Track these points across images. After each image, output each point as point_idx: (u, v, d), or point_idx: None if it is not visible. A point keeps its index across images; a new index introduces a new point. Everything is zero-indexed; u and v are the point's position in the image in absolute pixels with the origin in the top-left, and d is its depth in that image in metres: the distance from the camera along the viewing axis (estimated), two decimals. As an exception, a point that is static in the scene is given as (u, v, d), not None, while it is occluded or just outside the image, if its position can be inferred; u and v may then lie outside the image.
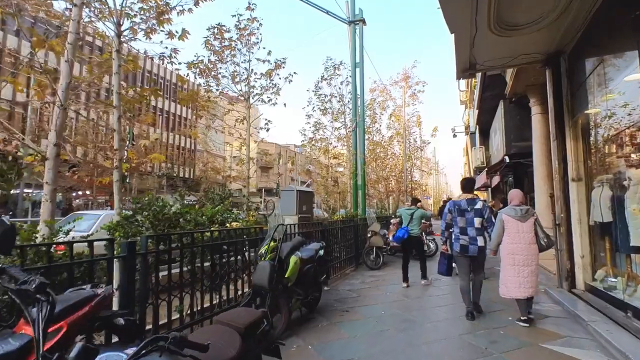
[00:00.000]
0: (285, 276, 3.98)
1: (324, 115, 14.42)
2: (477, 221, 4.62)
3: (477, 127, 16.53)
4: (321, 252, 4.98)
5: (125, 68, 6.95)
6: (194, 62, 9.41)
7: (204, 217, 4.23)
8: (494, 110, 12.96)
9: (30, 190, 19.11)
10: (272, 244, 4.05)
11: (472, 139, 19.01)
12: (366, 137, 18.60)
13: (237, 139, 9.51)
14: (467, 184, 5.08)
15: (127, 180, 14.39)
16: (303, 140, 13.09)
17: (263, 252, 3.96)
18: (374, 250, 8.55)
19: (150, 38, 7.04)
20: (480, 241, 4.59)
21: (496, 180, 14.85)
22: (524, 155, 9.96)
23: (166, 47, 6.76)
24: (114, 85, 6.02)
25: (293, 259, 4.11)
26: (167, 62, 7.30)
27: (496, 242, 4.49)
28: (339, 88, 13.99)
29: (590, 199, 5.51)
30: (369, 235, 8.75)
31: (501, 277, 4.53)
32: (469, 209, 4.73)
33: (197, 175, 33.89)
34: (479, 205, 4.74)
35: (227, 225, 5.28)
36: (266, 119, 10.99)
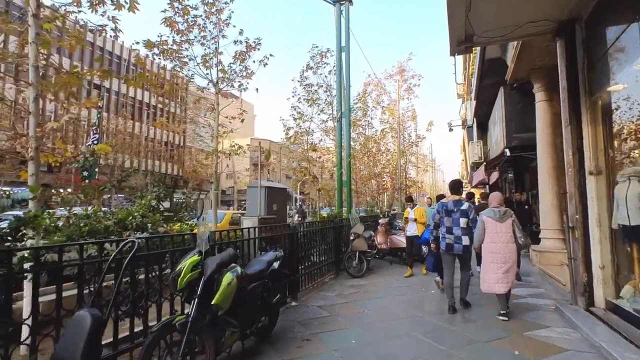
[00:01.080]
0: (212, 303, 2.91)
1: (311, 106, 13.38)
2: (462, 221, 4.90)
3: (475, 120, 15.48)
4: (276, 264, 3.92)
5: (51, 41, 5.85)
6: (158, 42, 8.31)
7: (109, 221, 3.15)
8: (493, 101, 11.93)
9: (7, 188, 17.96)
10: (194, 258, 2.98)
11: (470, 133, 17.96)
12: (358, 130, 17.60)
13: (202, 126, 8.41)
14: (454, 186, 5.35)
15: (96, 176, 13.17)
16: (286, 132, 11.95)
17: (181, 269, 2.90)
18: (357, 255, 7.49)
19: (96, 10, 5.97)
20: (465, 240, 4.85)
21: (495, 176, 13.80)
22: (527, 147, 8.93)
23: (103, 15, 5.64)
24: (30, 57, 4.92)
25: (227, 278, 3.04)
26: (112, 36, 6.21)
27: (478, 241, 4.77)
28: (326, 77, 12.93)
29: (612, 196, 4.47)
30: (351, 238, 7.69)
31: (482, 274, 4.81)
32: (455, 209, 4.99)
33: (185, 171, 32.62)
34: (464, 206, 4.99)
35: (163, 229, 4.22)
36: (241, 109, 9.95)
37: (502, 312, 4.50)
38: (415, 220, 7.45)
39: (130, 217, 3.38)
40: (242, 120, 9.86)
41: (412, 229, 7.57)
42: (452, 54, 5.87)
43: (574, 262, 4.93)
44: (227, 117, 8.98)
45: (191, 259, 2.95)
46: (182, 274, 2.86)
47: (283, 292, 5.13)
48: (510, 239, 4.56)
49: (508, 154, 8.93)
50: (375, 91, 22.05)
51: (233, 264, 3.31)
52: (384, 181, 22.18)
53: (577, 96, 4.93)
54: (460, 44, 5.47)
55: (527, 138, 8.80)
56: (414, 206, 7.80)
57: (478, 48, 10.23)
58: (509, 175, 15.09)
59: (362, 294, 5.96)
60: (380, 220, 9.69)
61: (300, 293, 5.86)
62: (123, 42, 28.80)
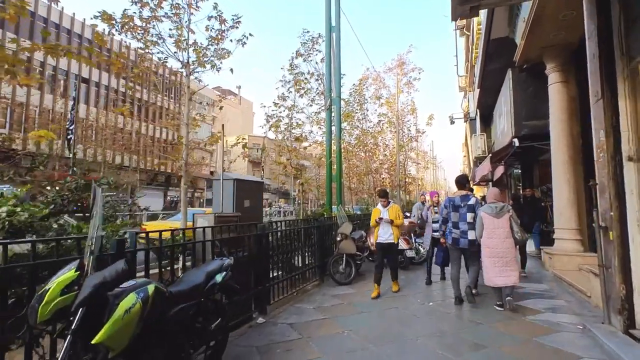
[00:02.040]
0: (93, 342, 1.93)
1: (302, 96, 12.40)
2: (469, 216, 4.92)
3: (478, 111, 14.47)
4: (220, 277, 2.95)
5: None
6: (120, 17, 7.33)
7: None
8: (498, 89, 10.93)
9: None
10: (68, 274, 2.02)
11: (472, 125, 16.94)
12: (354, 124, 16.64)
13: (166, 114, 7.42)
14: (460, 181, 5.31)
15: (74, 169, 11.96)
16: (266, 119, 10.79)
17: (44, 292, 1.93)
18: (344, 258, 6.52)
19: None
20: (470, 235, 4.86)
21: (499, 171, 12.79)
22: (538, 137, 7.94)
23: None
24: None
25: (126, 302, 2.07)
26: (48, 1, 5.26)
27: (478, 237, 4.79)
28: (317, 64, 11.91)
29: (660, 188, 3.50)
30: (338, 239, 6.73)
31: (483, 268, 4.84)
32: (462, 204, 5.01)
33: (178, 168, 31.53)
34: (471, 201, 5.01)
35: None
36: (219, 94, 8.97)
37: (497, 302, 4.67)
38: (392, 222, 5.63)
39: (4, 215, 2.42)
40: (221, 108, 8.90)
41: (386, 235, 5.64)
42: (454, 17, 4.87)
43: (606, 270, 3.95)
44: (200, 103, 8.02)
45: (63, 276, 1.99)
46: (45, 299, 1.90)
47: (244, 308, 4.19)
48: (507, 234, 4.58)
49: (517, 144, 7.95)
50: (375, 85, 21.07)
51: (146, 280, 2.35)
52: (382, 178, 21.27)
53: (612, 63, 3.94)
54: (464, 2, 4.49)
55: (539, 126, 7.81)
56: (388, 204, 5.85)
57: (483, 27, 9.24)
58: (515, 170, 14.10)
59: (345, 307, 4.98)
60: (373, 219, 8.71)
61: (272, 305, 4.90)
62: (85, 19, 26.87)
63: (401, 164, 19.53)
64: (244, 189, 5.66)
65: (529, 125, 7.94)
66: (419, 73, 21.78)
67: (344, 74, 14.32)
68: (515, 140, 7.99)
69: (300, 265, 6.21)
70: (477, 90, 12.68)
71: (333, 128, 9.71)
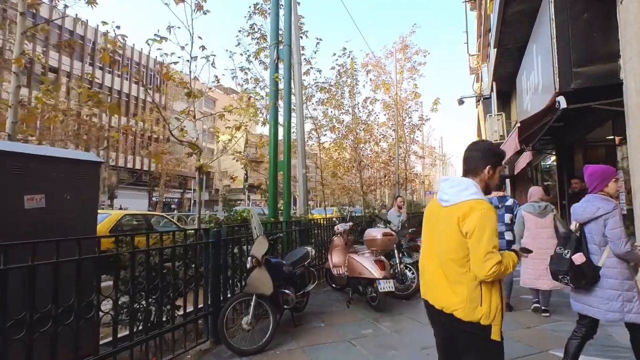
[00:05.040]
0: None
1: (267, 69, 9.63)
2: (507, 217, 4.77)
3: (494, 85, 11.30)
4: None
5: None
6: None
7: None
8: (522, 49, 7.87)
9: None
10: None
11: (487, 106, 13.76)
12: (338, 104, 13.69)
13: None
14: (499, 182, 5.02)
15: None
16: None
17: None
18: (253, 302, 3.55)
19: None
20: (507, 235, 4.69)
21: (524, 161, 9.52)
22: (599, 92, 4.86)
23: None
24: None
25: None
26: None
27: (518, 237, 4.61)
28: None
29: None
30: (248, 265, 3.76)
31: (521, 270, 4.58)
32: (499, 205, 4.81)
33: (159, 167, 28.90)
34: (509, 202, 4.86)
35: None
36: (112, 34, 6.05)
37: (542, 307, 4.44)
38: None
39: None
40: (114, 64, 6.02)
41: None
42: None
43: None
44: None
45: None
46: None
47: None
48: (551, 234, 4.34)
49: (563, 104, 4.87)
50: (374, 71, 18.20)
51: None
52: (382, 175, 18.40)
53: None
54: None
55: (601, 73, 4.71)
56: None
57: None
58: (543, 162, 10.89)
59: None
60: (336, 227, 5.69)
61: None
62: None
63: (400, 158, 16.45)
64: (27, 173, 2.76)
65: (583, 73, 4.83)
66: (424, 56, 18.83)
67: (320, 39, 11.34)
68: (561, 98, 4.90)
69: (166, 318, 3.30)
70: (494, 53, 9.54)
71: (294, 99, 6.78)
